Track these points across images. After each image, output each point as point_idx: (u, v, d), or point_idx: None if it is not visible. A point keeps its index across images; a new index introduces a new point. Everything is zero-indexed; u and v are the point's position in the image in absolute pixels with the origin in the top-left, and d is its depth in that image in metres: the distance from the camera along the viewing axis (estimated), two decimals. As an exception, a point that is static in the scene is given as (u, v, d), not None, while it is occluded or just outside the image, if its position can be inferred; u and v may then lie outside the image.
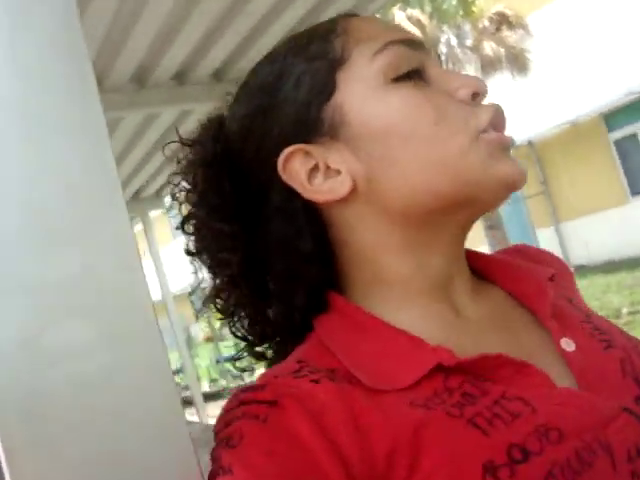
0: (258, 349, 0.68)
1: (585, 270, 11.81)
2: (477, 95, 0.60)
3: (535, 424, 0.53)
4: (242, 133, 0.64)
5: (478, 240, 11.41)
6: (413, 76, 0.60)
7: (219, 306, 0.67)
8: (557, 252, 9.31)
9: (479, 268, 0.69)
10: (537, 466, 0.51)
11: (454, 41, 9.51)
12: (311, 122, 0.60)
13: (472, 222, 0.64)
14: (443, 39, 9.51)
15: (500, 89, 10.92)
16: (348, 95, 0.60)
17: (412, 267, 0.61)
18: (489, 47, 9.51)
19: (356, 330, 0.60)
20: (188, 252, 0.67)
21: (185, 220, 0.66)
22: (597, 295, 9.11)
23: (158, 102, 3.80)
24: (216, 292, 0.66)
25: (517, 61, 9.56)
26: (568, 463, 0.51)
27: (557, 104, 11.49)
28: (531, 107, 11.88)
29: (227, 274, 0.64)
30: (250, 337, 0.67)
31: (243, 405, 0.55)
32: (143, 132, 4.59)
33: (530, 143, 12.95)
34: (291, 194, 0.61)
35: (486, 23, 9.78)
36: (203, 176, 0.65)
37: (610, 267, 11.09)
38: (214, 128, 0.67)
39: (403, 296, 0.62)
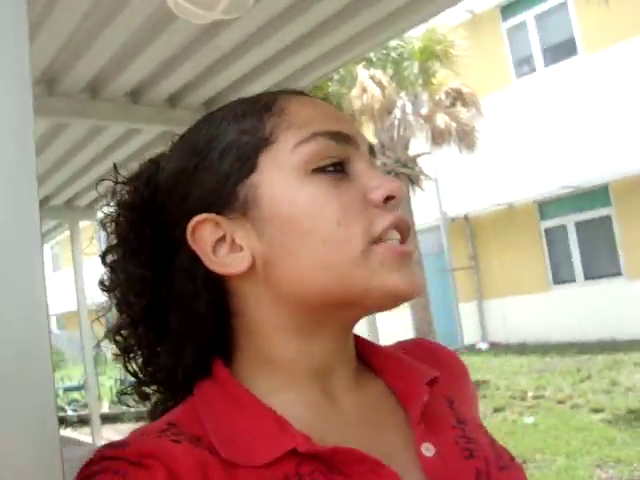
0: (146, 389, 0.69)
1: (500, 348, 12.06)
2: (390, 198, 0.61)
3: None
4: (167, 187, 0.65)
5: (402, 305, 11.58)
6: (334, 169, 0.61)
7: (119, 341, 0.68)
8: (476, 326, 9.52)
9: (368, 359, 0.71)
10: None
11: (409, 108, 9.77)
12: (226, 195, 0.61)
13: (358, 319, 0.65)
14: (399, 104, 9.75)
15: (446, 161, 11.29)
16: (265, 178, 0.61)
17: (296, 352, 0.63)
18: (442, 119, 9.77)
19: (230, 404, 0.61)
20: (101, 284, 0.68)
21: (106, 253, 0.68)
22: (507, 375, 9.31)
23: (107, 116, 3.77)
24: (117, 328, 0.67)
25: (466, 137, 9.85)
26: None
27: (497, 185, 11.85)
28: (472, 183, 12.24)
29: (130, 315, 0.66)
30: (141, 375, 0.68)
31: (105, 460, 0.55)
32: (86, 142, 4.54)
33: (466, 217, 13.31)
34: (196, 257, 0.62)
35: (442, 96, 10.08)
36: (127, 218, 0.66)
37: (524, 349, 11.38)
38: (150, 171, 0.69)
39: (284, 378, 0.63)
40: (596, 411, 6.79)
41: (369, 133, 10.38)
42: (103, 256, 0.67)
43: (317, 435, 0.58)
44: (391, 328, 13.47)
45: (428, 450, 0.62)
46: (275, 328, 0.63)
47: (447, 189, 12.88)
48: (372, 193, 0.61)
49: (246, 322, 0.64)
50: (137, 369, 0.68)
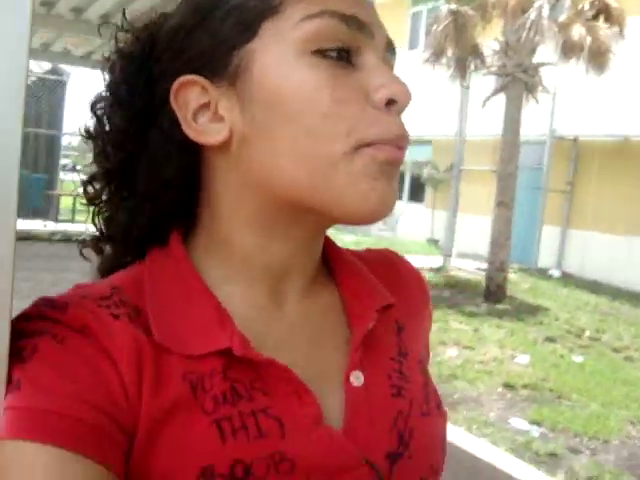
0: (103, 245, 0.68)
1: (572, 280, 11.81)
2: (393, 102, 0.56)
3: (274, 450, 0.54)
4: (165, 42, 0.62)
5: (484, 209, 11.34)
6: (337, 55, 0.56)
7: (89, 191, 0.66)
8: (554, 252, 9.29)
9: (332, 267, 0.68)
10: None
11: (546, 12, 9.03)
12: (219, 58, 0.58)
13: (322, 229, 0.63)
14: (537, 4, 9.05)
15: (569, 77, 10.61)
16: (262, 49, 0.56)
17: (252, 245, 0.61)
18: (578, 31, 9.04)
19: (177, 283, 0.60)
20: (86, 131, 0.65)
21: (96, 102, 0.65)
22: (570, 308, 9.15)
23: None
24: (91, 178, 0.66)
25: (598, 56, 9.13)
26: None
27: (616, 114, 11.15)
28: (590, 107, 11.55)
29: (105, 167, 0.64)
30: (103, 231, 0.67)
31: (42, 320, 0.54)
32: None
33: (575, 140, 12.68)
34: (176, 121, 0.59)
35: (586, 6, 9.31)
36: (123, 67, 0.63)
37: (595, 287, 11.11)
38: (155, 26, 0.65)
39: (236, 268, 0.61)
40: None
41: (497, 30, 9.80)
42: (92, 105, 0.65)
43: (253, 338, 0.57)
44: (469, 230, 13.54)
45: (357, 379, 0.61)
46: (236, 214, 0.60)
47: (562, 106, 12.20)
48: (375, 92, 0.56)
49: (211, 198, 0.61)
50: (101, 224, 0.67)
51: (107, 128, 0.64)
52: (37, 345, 0.52)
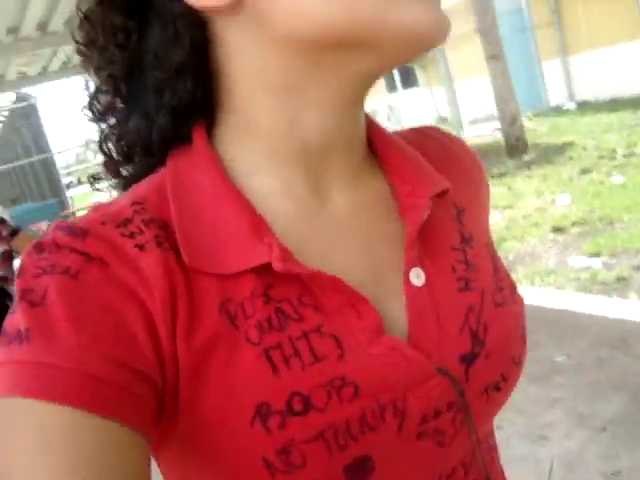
0: (120, 169, 0.59)
1: (588, 107, 11.52)
2: None
3: (334, 375, 0.48)
4: None
5: (478, 70, 11.04)
6: None
7: (94, 108, 0.57)
8: (562, 86, 9.09)
9: (375, 149, 0.59)
10: (312, 423, 0.46)
11: None
12: None
13: (368, 81, 0.52)
14: None
15: None
16: None
17: (284, 120, 0.51)
18: None
19: (202, 184, 0.52)
20: (79, 50, 0.56)
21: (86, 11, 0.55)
22: (596, 134, 8.95)
23: None
24: (95, 92, 0.57)
25: None
26: (346, 426, 0.47)
27: None
28: None
29: (111, 72, 0.54)
30: (115, 154, 0.58)
31: (56, 250, 0.46)
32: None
33: (546, -34, 12.15)
34: None
35: None
36: None
37: (615, 105, 10.81)
38: None
39: (267, 154, 0.53)
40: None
41: None
42: (84, 14, 0.54)
43: (295, 244, 0.50)
44: (472, 95, 13.24)
45: (418, 277, 0.54)
46: (261, 85, 0.51)
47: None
48: None
49: (229, 79, 0.52)
50: (111, 148, 0.57)
51: (101, 32, 0.53)
52: (48, 286, 0.44)
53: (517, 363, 0.58)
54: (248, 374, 0.46)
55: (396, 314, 0.52)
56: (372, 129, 0.59)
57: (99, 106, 0.56)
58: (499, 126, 9.78)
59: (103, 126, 0.58)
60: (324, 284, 0.49)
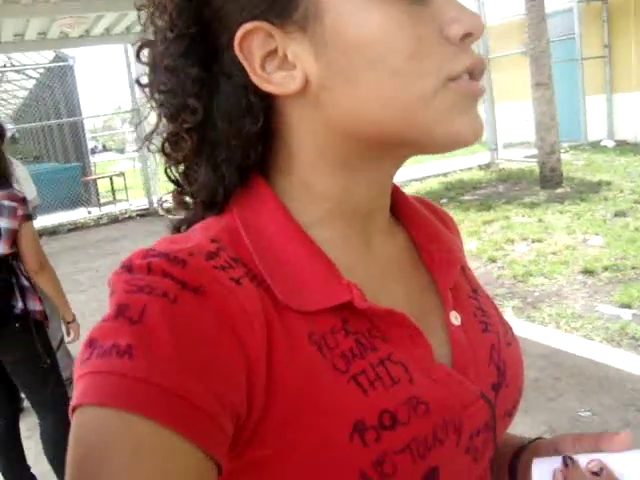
0: (185, 199, 0.65)
1: (627, 147, 11.31)
2: (468, 36, 0.54)
3: (409, 394, 0.54)
4: None
5: (521, 94, 10.82)
6: None
7: (167, 150, 0.62)
8: (603, 122, 8.91)
9: (397, 206, 0.69)
10: (400, 436, 0.53)
11: None
12: (285, 2, 0.54)
13: (406, 159, 0.61)
14: None
15: None
16: None
17: (338, 187, 0.59)
18: None
19: (276, 231, 0.58)
20: (147, 88, 0.60)
21: (143, 46, 0.60)
22: (633, 177, 8.76)
23: None
24: (168, 136, 0.61)
25: None
26: (425, 439, 0.54)
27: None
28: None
29: (188, 120, 0.58)
30: (183, 184, 0.64)
31: (151, 274, 0.49)
32: None
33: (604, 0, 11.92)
34: (242, 69, 0.56)
35: None
36: (178, 7, 0.57)
37: None
38: None
39: (325, 211, 0.60)
40: None
41: None
42: (139, 49, 0.61)
43: (359, 284, 0.56)
44: (511, 119, 13.06)
45: (456, 319, 0.64)
46: (319, 160, 0.59)
47: (484, 68, 11.44)
48: (450, 28, 0.54)
49: (289, 146, 0.59)
50: (178, 177, 0.63)
51: (176, 82, 0.57)
52: (146, 305, 0.47)
53: (521, 392, 0.68)
54: (342, 397, 0.52)
55: (439, 347, 0.61)
56: (395, 191, 0.68)
57: (174, 150, 0.61)
58: (534, 153, 9.59)
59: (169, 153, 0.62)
60: (390, 319, 0.57)
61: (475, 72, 0.55)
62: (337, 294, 0.55)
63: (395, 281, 0.63)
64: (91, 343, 0.46)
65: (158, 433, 0.43)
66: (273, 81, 0.55)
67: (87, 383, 0.45)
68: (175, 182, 0.64)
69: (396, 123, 0.54)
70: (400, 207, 0.69)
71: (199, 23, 0.57)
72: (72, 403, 0.45)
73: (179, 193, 0.64)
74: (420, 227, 0.68)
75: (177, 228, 0.65)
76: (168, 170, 0.63)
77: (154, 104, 0.60)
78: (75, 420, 0.45)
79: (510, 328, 0.71)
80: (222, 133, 0.58)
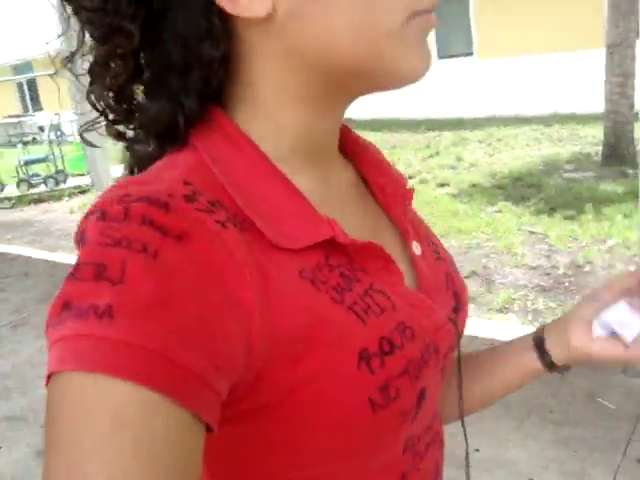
0: (119, 128, 0.59)
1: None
2: None
3: (397, 320, 0.56)
4: None
5: (596, 60, 9.25)
6: None
7: (93, 73, 0.56)
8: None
9: (343, 142, 0.68)
10: (399, 359, 0.54)
11: None
12: None
13: (358, 96, 0.61)
14: None
15: None
16: None
17: (301, 121, 0.58)
18: None
19: (248, 167, 0.55)
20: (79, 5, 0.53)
21: None
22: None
23: None
24: (95, 59, 0.55)
25: None
26: (416, 361, 0.56)
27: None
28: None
29: (122, 44, 0.53)
30: (110, 112, 0.58)
31: (128, 222, 0.44)
32: None
33: None
34: None
35: None
36: None
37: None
38: None
39: (288, 148, 0.58)
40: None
41: None
42: None
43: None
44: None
45: (417, 249, 0.66)
46: (283, 91, 0.56)
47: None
48: None
49: (249, 75, 0.56)
50: (104, 105, 0.57)
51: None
52: (125, 263, 0.43)
53: (467, 313, 0.72)
54: (345, 327, 0.52)
55: (405, 274, 0.62)
56: (342, 127, 0.66)
57: (95, 71, 0.55)
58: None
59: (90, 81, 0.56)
60: (368, 252, 0.57)
61: (435, 6, 0.56)
62: (320, 230, 0.54)
63: (355, 215, 0.63)
64: (65, 304, 0.42)
65: (142, 396, 0.40)
66: (240, 2, 0.51)
67: (64, 348, 0.41)
68: (101, 111, 0.58)
69: (362, 54, 0.54)
70: (347, 143, 0.69)
71: None
72: (48, 370, 0.42)
73: (112, 122, 0.58)
74: (370, 163, 0.69)
75: (132, 168, 0.61)
76: (92, 96, 0.57)
77: (79, 20, 0.54)
78: (51, 388, 0.41)
79: (452, 258, 0.74)
80: (177, 58, 0.54)
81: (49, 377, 0.42)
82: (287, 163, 0.57)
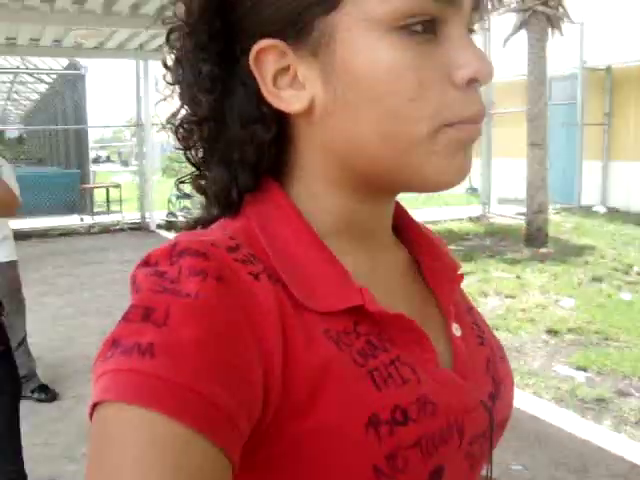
0: (202, 183, 0.66)
1: (618, 215, 11.45)
2: (474, 81, 0.55)
3: (419, 394, 0.56)
4: None
5: (518, 152, 10.99)
6: (422, 29, 0.54)
7: (179, 134, 0.64)
8: (596, 188, 9.01)
9: (400, 226, 0.71)
10: (411, 432, 0.54)
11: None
12: (301, 25, 0.56)
13: (398, 194, 0.65)
14: None
15: (595, 5, 10.14)
16: (344, 23, 0.54)
17: (341, 204, 0.61)
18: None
19: (292, 235, 0.59)
20: (164, 77, 0.63)
21: (171, 31, 0.62)
22: (618, 244, 8.88)
23: None
24: (182, 122, 0.63)
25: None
26: (433, 436, 0.56)
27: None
28: (620, 32, 11.05)
29: (195, 112, 0.61)
30: (202, 168, 0.65)
31: (176, 274, 0.50)
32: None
33: (608, 69, 12.19)
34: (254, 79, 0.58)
35: None
36: (200, 4, 0.59)
37: None
38: None
39: (332, 225, 0.62)
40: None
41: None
42: (168, 34, 0.62)
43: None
44: (507, 175, 13.22)
45: (457, 330, 0.66)
46: (324, 174, 0.61)
47: (592, 36, 11.71)
48: (457, 72, 0.55)
49: (300, 156, 0.61)
50: (197, 161, 0.65)
51: (189, 73, 0.60)
52: (170, 307, 0.48)
53: (511, 409, 0.70)
54: (359, 390, 0.54)
55: (440, 355, 0.62)
56: (397, 208, 0.70)
57: (181, 134, 0.63)
58: (524, 210, 9.74)
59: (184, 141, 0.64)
60: (399, 324, 0.59)
61: (475, 116, 0.57)
62: (350, 297, 0.56)
63: (398, 293, 0.65)
64: (114, 342, 0.47)
65: (176, 430, 0.43)
66: (282, 97, 0.57)
67: (108, 380, 0.45)
68: (194, 165, 0.65)
69: (389, 160, 0.56)
70: (404, 227, 0.72)
71: (220, 24, 0.59)
72: (92, 400, 0.46)
73: (197, 177, 0.65)
74: (424, 247, 0.71)
75: (192, 227, 0.66)
76: (188, 153, 0.64)
77: (177, 91, 0.63)
78: (96, 416, 0.45)
79: (501, 346, 0.74)
80: (235, 135, 0.60)
81: (94, 407, 0.46)
82: (332, 241, 0.60)
